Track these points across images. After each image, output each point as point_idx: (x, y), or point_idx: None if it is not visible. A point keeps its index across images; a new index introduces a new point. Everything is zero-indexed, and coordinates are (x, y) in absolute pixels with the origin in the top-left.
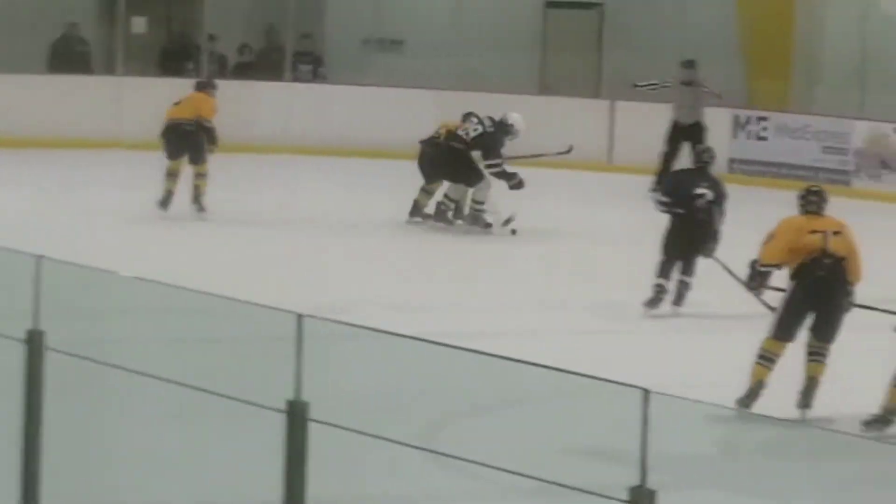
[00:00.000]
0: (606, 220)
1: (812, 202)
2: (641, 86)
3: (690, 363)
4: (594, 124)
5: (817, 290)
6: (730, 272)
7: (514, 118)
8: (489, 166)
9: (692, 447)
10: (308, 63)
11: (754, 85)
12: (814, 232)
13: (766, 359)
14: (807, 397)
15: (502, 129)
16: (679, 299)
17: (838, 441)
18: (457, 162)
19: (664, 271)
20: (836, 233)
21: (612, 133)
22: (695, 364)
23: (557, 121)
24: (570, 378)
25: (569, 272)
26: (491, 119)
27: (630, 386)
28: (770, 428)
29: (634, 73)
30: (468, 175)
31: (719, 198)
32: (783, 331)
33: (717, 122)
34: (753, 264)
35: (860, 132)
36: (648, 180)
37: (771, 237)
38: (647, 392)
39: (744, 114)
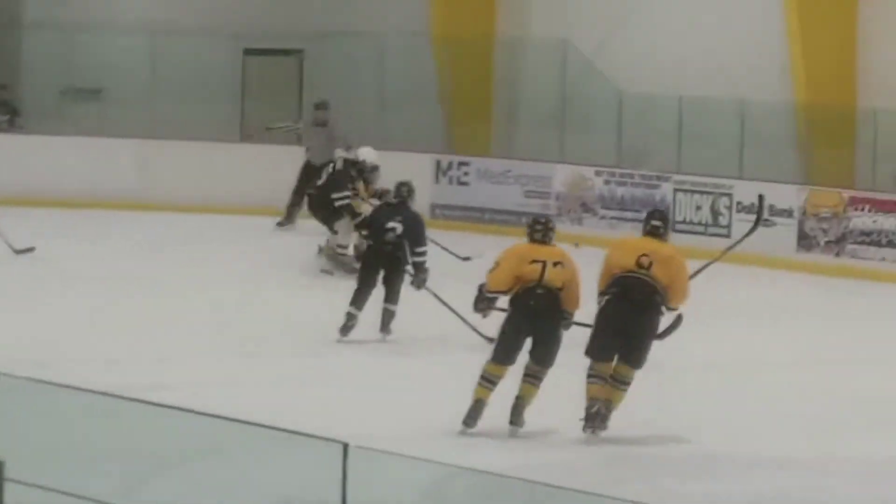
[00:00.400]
0: (313, 265)
1: (538, 230)
2: (274, 128)
3: (399, 407)
4: (297, 172)
5: (530, 318)
6: (444, 304)
7: (362, 152)
8: (335, 199)
9: (394, 499)
10: (4, 113)
11: (455, 130)
12: (534, 262)
13: (487, 380)
14: (515, 416)
15: (353, 166)
16: (384, 326)
17: (540, 491)
18: (316, 207)
19: (355, 300)
20: (556, 263)
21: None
22: (402, 409)
23: (260, 168)
24: (269, 432)
25: (263, 319)
26: (345, 159)
27: (329, 440)
28: (474, 477)
29: (336, 118)
30: (328, 219)
31: (412, 232)
32: (501, 354)
33: (419, 168)
34: (481, 288)
35: (561, 176)
36: None
37: (496, 264)
38: (346, 446)
39: (445, 159)
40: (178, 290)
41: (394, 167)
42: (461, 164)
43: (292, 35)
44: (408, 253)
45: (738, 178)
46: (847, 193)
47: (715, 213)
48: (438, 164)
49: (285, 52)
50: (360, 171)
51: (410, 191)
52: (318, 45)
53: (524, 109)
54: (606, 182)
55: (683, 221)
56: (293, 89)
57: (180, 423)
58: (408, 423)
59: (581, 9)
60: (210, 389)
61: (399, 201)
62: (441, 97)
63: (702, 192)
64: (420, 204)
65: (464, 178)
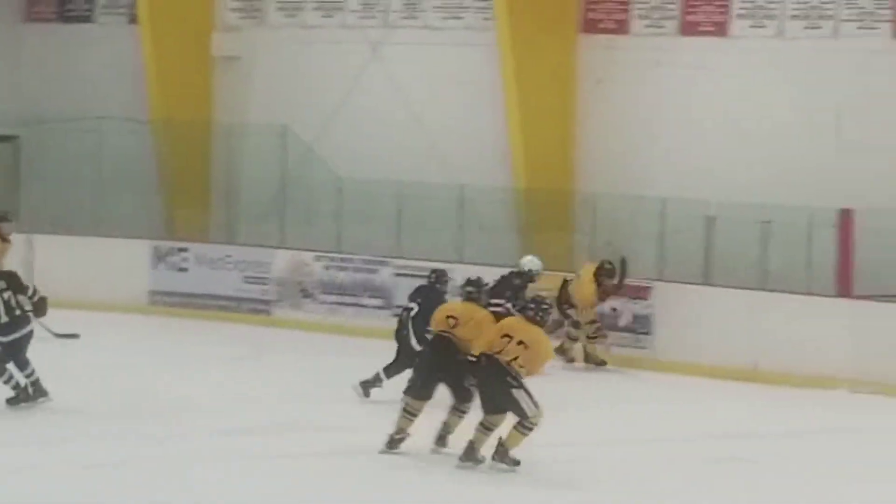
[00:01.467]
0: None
1: (469, 293)
2: None
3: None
4: (14, 258)
5: (430, 359)
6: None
7: (526, 261)
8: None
9: None
10: None
11: (174, 215)
12: (448, 317)
13: (409, 413)
14: (440, 442)
15: (519, 276)
16: (369, 382)
17: None
18: None
19: (388, 368)
20: (464, 320)
21: (32, 267)
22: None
23: None
24: None
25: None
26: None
27: None
28: None
29: (53, 205)
30: None
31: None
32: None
33: (136, 254)
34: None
35: (281, 261)
36: (76, 314)
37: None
38: None
39: (164, 245)
40: None
41: (110, 254)
42: (180, 249)
43: (8, 121)
44: (411, 331)
45: (458, 262)
46: (568, 276)
47: None
48: (156, 249)
49: (1, 139)
50: (528, 280)
51: (439, 277)
52: (35, 131)
53: (244, 195)
54: (327, 267)
55: (402, 307)
56: (11, 175)
57: None
58: None
59: (300, 95)
60: (22, 477)
61: (429, 284)
62: (159, 183)
63: (422, 276)
64: (137, 291)
65: (182, 264)
